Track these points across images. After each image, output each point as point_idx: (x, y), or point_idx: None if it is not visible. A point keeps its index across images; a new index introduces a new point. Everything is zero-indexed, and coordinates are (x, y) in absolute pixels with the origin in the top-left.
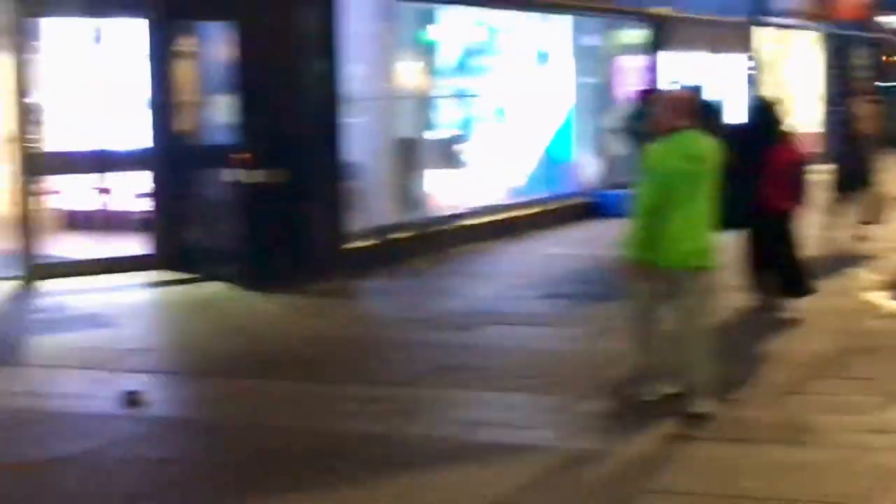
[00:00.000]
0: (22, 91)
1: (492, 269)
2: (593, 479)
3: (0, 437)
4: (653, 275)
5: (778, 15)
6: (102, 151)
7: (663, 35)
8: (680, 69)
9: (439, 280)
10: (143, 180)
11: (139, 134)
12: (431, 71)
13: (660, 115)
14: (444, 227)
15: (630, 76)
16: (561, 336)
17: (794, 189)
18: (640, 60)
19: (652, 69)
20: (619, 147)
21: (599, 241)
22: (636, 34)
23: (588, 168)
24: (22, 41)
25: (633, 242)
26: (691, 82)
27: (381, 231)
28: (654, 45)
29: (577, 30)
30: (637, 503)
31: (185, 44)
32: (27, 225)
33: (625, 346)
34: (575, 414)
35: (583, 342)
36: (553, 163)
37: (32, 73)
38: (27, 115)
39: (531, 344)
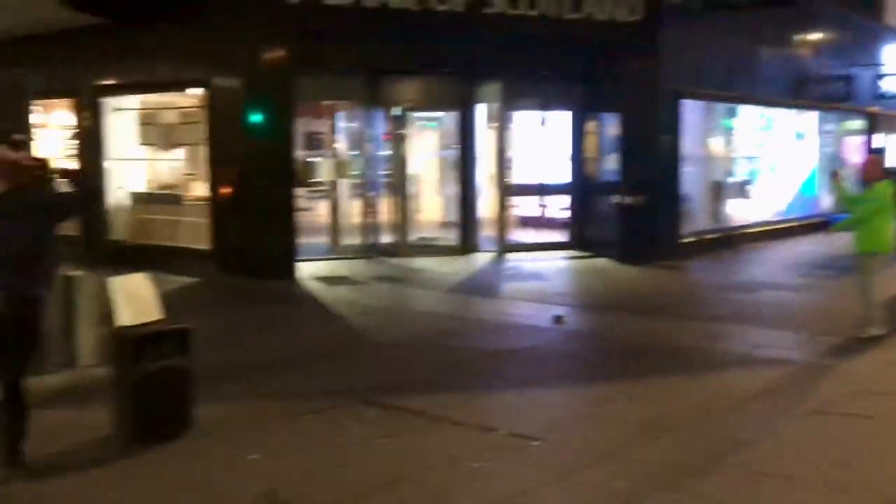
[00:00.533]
0: (501, 150)
1: (767, 258)
2: (821, 380)
3: (482, 336)
4: (866, 257)
5: None
6: (543, 184)
7: (874, 124)
8: (884, 144)
9: (734, 264)
10: (565, 200)
11: (564, 174)
12: (731, 142)
13: (870, 169)
14: (738, 232)
15: (852, 148)
16: (810, 296)
17: None
18: (859, 139)
19: (867, 144)
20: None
21: (832, 243)
22: (857, 123)
23: (824, 199)
24: (502, 123)
25: (856, 238)
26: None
27: (700, 233)
28: (868, 130)
29: (821, 120)
30: (845, 399)
31: (591, 125)
32: (500, 223)
33: (850, 303)
34: (817, 343)
35: (824, 300)
36: (804, 196)
37: (507, 140)
38: (503, 163)
39: (791, 301)
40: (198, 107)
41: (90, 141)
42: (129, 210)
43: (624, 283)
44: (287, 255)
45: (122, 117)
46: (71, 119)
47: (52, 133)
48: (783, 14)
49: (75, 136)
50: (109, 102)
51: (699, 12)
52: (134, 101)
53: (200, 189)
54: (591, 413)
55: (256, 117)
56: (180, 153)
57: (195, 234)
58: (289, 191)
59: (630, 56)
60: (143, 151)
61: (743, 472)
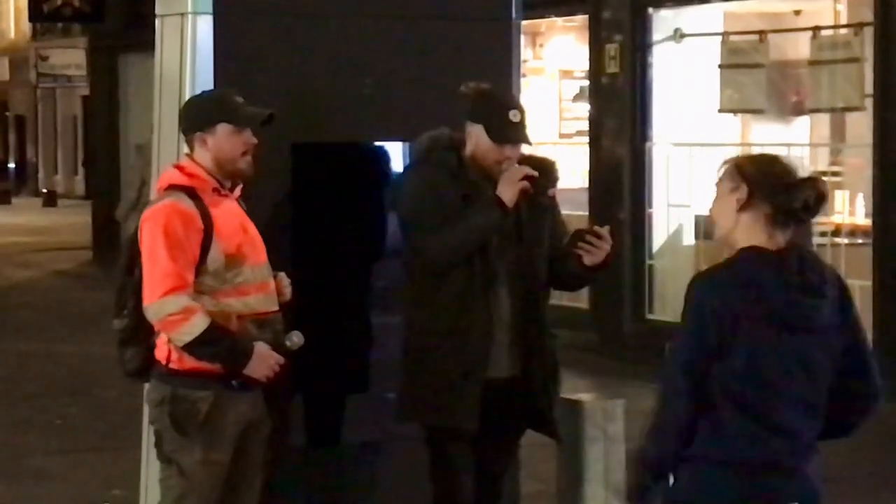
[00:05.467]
0: None
1: None
2: None
3: None
4: None
5: None
6: None
7: None
8: None
9: None
10: None
11: None
12: None
13: None
14: None
15: None
16: None
17: None
18: None
19: None
20: None
21: None
22: None
23: None
24: None
25: None
26: None
27: None
28: None
29: None
30: None
31: None
32: None
33: None
34: None
35: None
36: None
37: None
38: None
39: None
40: (853, 26)
41: (614, 102)
42: (693, 254)
43: None
44: None
45: (684, 54)
46: (580, 54)
47: (545, 86)
48: None
49: (590, 93)
50: (664, 19)
51: None
52: (713, 16)
53: (852, 210)
54: None
55: None
56: (805, 127)
57: None
58: None
59: None
60: (723, 126)
61: None
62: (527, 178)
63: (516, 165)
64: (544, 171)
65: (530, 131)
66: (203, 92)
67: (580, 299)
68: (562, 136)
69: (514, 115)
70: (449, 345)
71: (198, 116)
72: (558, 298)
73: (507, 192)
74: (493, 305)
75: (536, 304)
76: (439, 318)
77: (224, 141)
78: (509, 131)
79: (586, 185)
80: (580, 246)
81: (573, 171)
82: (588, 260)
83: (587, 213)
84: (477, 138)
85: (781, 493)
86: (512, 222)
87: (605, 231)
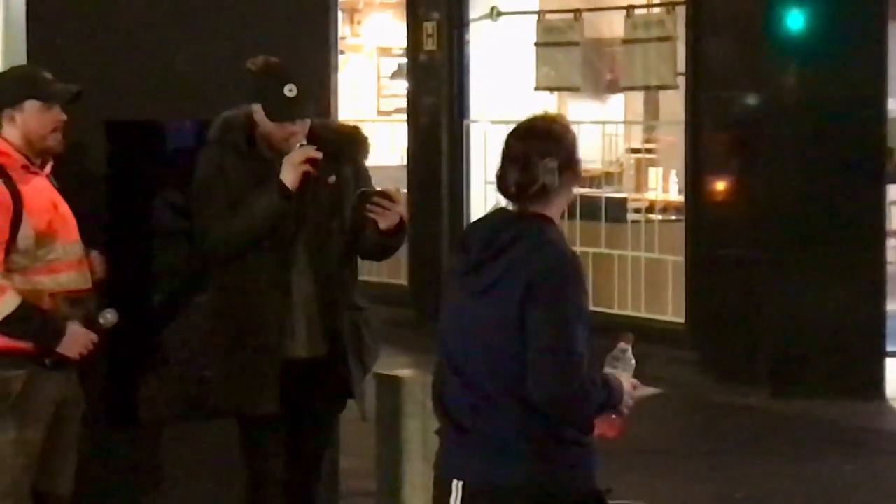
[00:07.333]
0: None
1: None
2: None
3: None
4: None
5: None
6: None
7: None
8: None
9: None
10: None
11: None
12: None
13: None
14: None
15: None
16: None
17: None
18: None
19: None
20: None
21: None
22: None
23: None
24: None
25: None
26: None
27: None
28: None
29: None
30: None
31: None
32: None
33: None
34: None
35: None
36: None
37: None
38: None
39: None
40: (665, 4)
41: (432, 80)
42: None
43: None
44: (869, 344)
45: (500, 32)
46: (398, 31)
47: (363, 64)
48: None
49: (408, 71)
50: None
51: None
52: None
53: (665, 186)
54: None
55: (797, 23)
56: (619, 104)
57: (655, 285)
58: (878, 193)
59: None
60: (540, 104)
61: None
62: (309, 160)
63: (302, 145)
64: (349, 141)
65: (310, 104)
66: (11, 68)
67: (399, 276)
68: (380, 113)
69: (289, 91)
70: (244, 327)
71: (5, 93)
72: (377, 275)
73: (289, 176)
74: (292, 285)
75: (333, 281)
76: (234, 300)
77: (33, 118)
78: (286, 108)
79: (405, 162)
80: (369, 209)
81: (392, 149)
82: (382, 224)
83: (406, 191)
84: (260, 117)
85: None
86: (310, 197)
87: (394, 191)
